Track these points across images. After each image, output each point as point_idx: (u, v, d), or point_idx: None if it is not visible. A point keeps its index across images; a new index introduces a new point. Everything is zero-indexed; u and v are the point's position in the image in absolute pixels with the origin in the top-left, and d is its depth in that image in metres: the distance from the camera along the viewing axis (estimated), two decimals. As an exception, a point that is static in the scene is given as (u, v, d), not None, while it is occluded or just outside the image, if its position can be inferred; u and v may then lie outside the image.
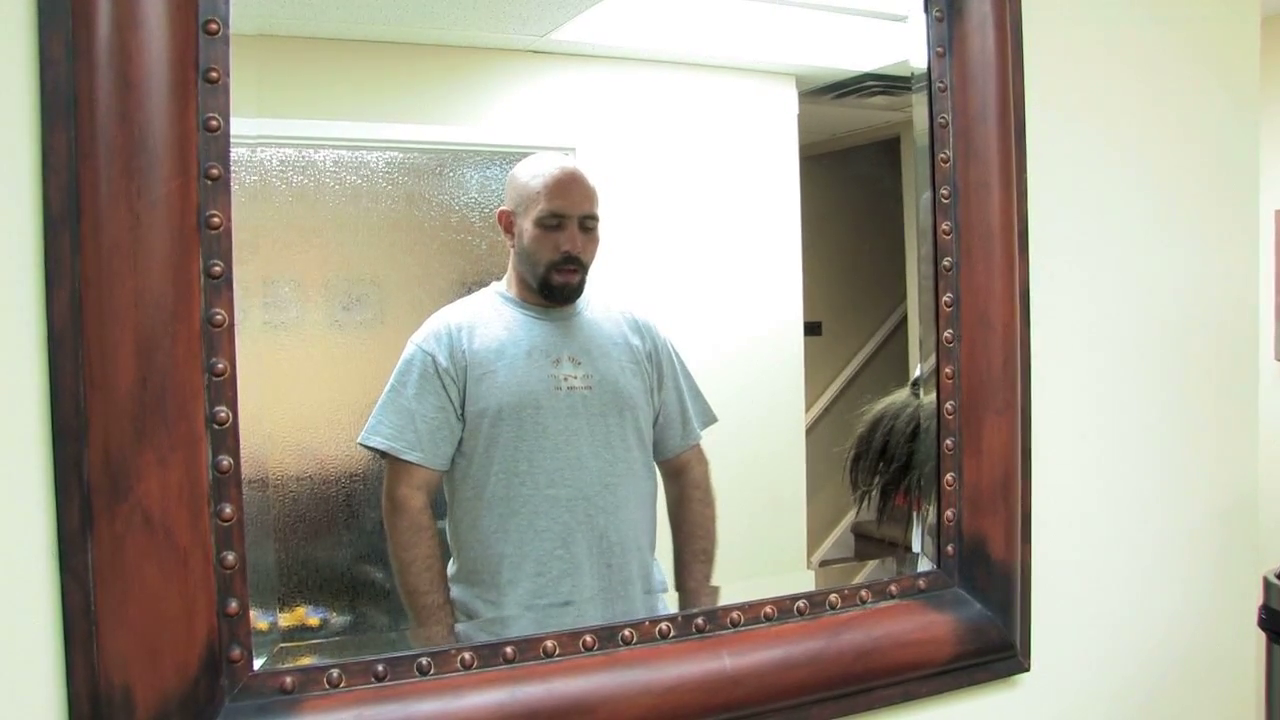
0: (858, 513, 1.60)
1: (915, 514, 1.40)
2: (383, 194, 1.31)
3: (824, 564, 1.63)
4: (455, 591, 1.33)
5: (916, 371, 1.39)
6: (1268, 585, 1.64)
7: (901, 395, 1.49)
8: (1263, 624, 1.64)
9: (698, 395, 1.45)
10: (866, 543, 1.62)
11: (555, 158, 1.39)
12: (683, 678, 1.14)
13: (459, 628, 1.35)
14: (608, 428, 1.39)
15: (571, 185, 1.38)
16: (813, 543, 1.61)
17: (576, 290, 1.38)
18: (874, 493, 1.53)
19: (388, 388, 1.30)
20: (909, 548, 1.41)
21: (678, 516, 1.46)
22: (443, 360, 1.32)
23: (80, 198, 0.88)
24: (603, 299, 1.41)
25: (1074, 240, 1.46)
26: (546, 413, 1.35)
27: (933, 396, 1.34)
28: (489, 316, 1.37)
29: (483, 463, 1.33)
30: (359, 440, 1.29)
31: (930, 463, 1.34)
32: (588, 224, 1.36)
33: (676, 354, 1.44)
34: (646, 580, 1.42)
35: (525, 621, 1.33)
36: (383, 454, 1.30)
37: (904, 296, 1.46)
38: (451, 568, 1.34)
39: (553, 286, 1.37)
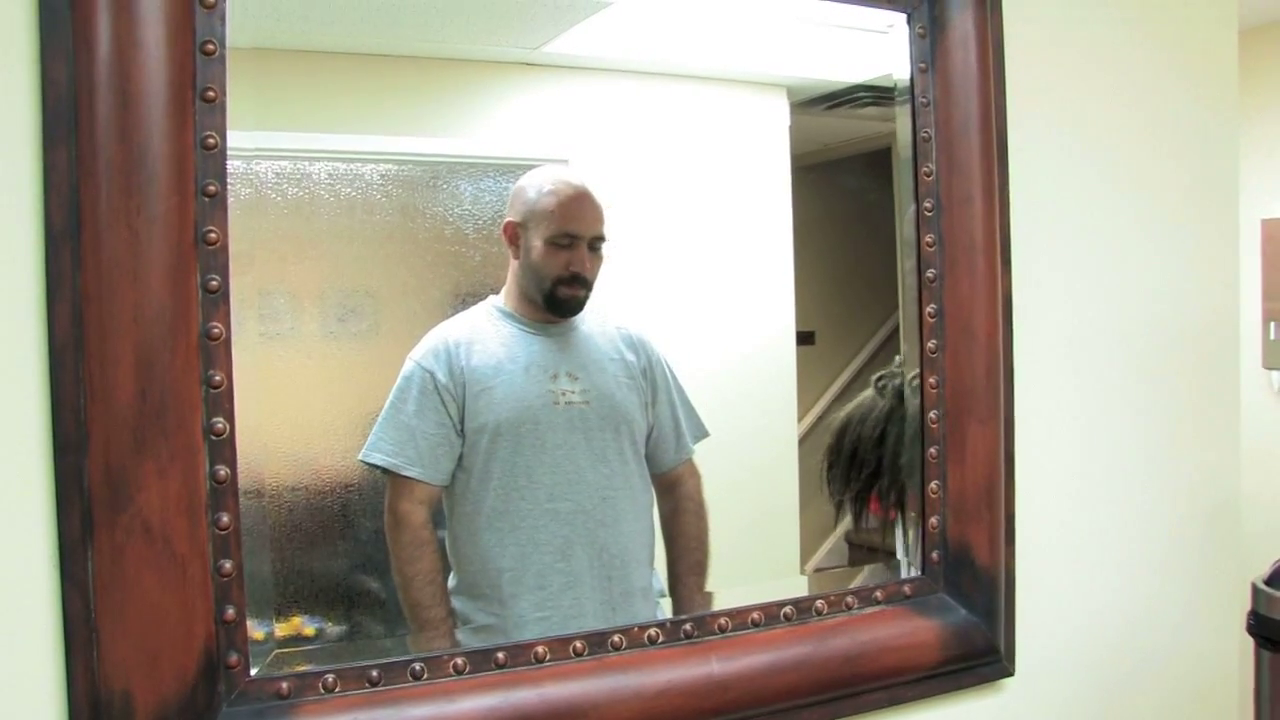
0: (837, 520, 1.61)
1: (888, 520, 1.41)
2: (377, 206, 1.31)
3: (817, 571, 1.63)
4: (456, 604, 1.34)
5: (881, 370, 1.41)
6: (1256, 591, 1.65)
7: (866, 395, 1.50)
8: (1251, 630, 1.64)
9: (690, 410, 1.46)
10: (860, 551, 1.62)
11: (564, 173, 1.40)
12: (671, 682, 1.15)
13: (459, 636, 1.36)
14: (605, 442, 1.39)
15: (585, 206, 1.39)
16: (806, 551, 1.61)
17: (580, 304, 1.39)
18: (848, 501, 1.54)
19: (387, 404, 1.31)
20: (891, 553, 1.42)
21: (672, 529, 1.47)
22: (442, 377, 1.33)
23: (81, 214, 0.90)
24: (598, 314, 1.42)
25: (1056, 251, 1.48)
26: (545, 427, 1.36)
27: (890, 397, 1.35)
28: (487, 332, 1.37)
29: (482, 477, 1.34)
30: (359, 457, 1.30)
31: (902, 466, 1.35)
32: (596, 244, 1.37)
33: (670, 369, 1.45)
34: (646, 591, 1.43)
35: (527, 635, 1.33)
36: (383, 470, 1.31)
37: (897, 305, 1.46)
38: (451, 581, 1.35)
39: (558, 300, 1.38)
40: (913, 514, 1.37)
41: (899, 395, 1.43)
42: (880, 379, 1.45)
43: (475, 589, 1.34)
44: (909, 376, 1.37)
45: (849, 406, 1.53)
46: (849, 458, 1.50)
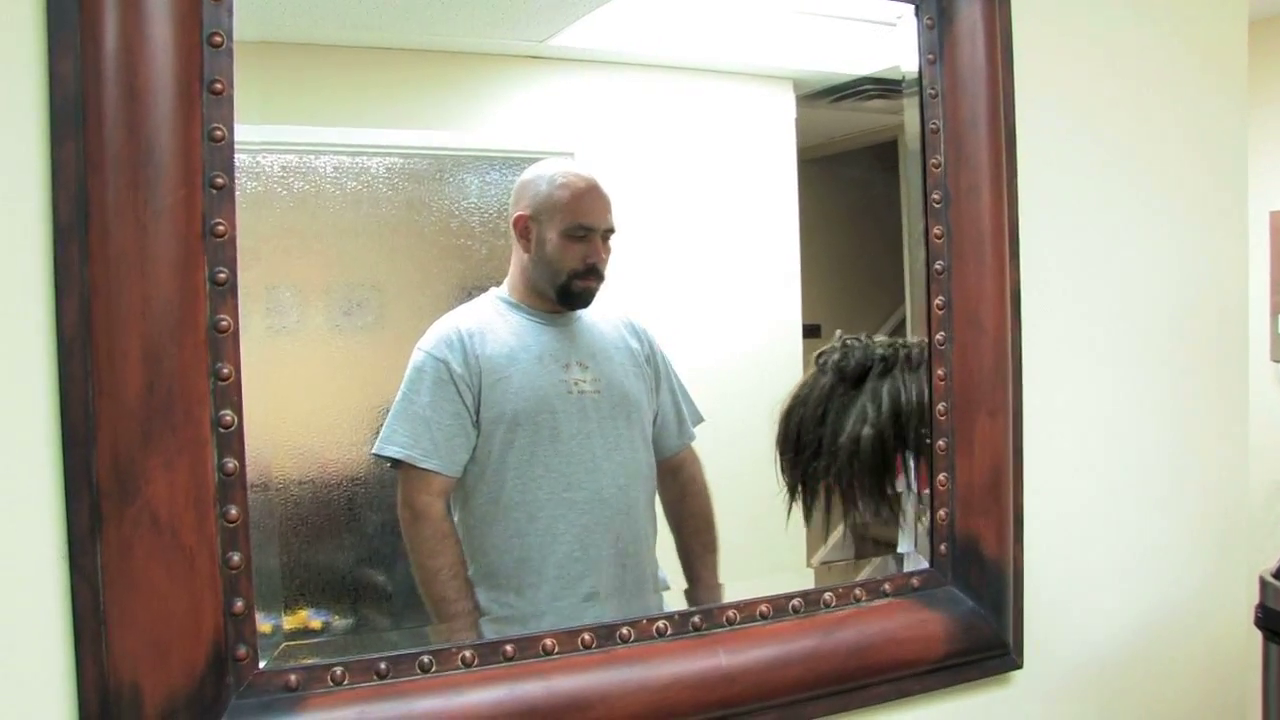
0: (789, 511, 1.58)
1: (828, 506, 1.40)
2: (383, 199, 1.31)
3: (824, 564, 1.63)
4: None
5: (823, 346, 1.39)
6: (1264, 585, 1.65)
7: (809, 375, 1.47)
8: (1259, 623, 1.64)
9: (687, 395, 1.46)
10: (866, 544, 1.63)
11: (573, 166, 1.39)
12: (679, 675, 1.15)
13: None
14: (617, 430, 1.40)
15: (598, 198, 1.39)
16: (813, 544, 1.61)
17: (592, 297, 1.39)
18: (799, 489, 1.49)
19: (400, 396, 1.30)
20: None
21: (680, 513, 1.46)
22: (457, 367, 1.32)
23: (88, 208, 0.90)
24: (598, 303, 1.42)
25: (1064, 243, 1.48)
26: (561, 417, 1.36)
27: (831, 374, 1.34)
28: (495, 322, 1.37)
29: (498, 468, 1.33)
30: (374, 450, 1.28)
31: (842, 446, 1.35)
32: (607, 236, 1.38)
33: (666, 356, 1.46)
34: (654, 579, 1.43)
35: (545, 624, 1.33)
36: (399, 463, 1.29)
37: (903, 298, 1.46)
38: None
39: (573, 294, 1.38)
40: (866, 502, 1.36)
41: (840, 372, 1.42)
42: (821, 356, 1.42)
43: (492, 580, 1.34)
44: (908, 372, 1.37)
45: (793, 388, 1.49)
46: (794, 443, 1.47)
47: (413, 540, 1.30)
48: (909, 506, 1.43)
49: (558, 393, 1.36)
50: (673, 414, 1.45)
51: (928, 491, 1.36)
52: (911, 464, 1.42)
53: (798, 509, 1.51)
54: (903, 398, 1.41)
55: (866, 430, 1.41)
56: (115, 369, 0.90)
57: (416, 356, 1.31)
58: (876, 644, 1.27)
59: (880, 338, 1.44)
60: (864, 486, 1.44)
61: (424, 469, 1.30)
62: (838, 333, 1.44)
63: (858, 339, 1.43)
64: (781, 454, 1.51)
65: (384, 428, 1.29)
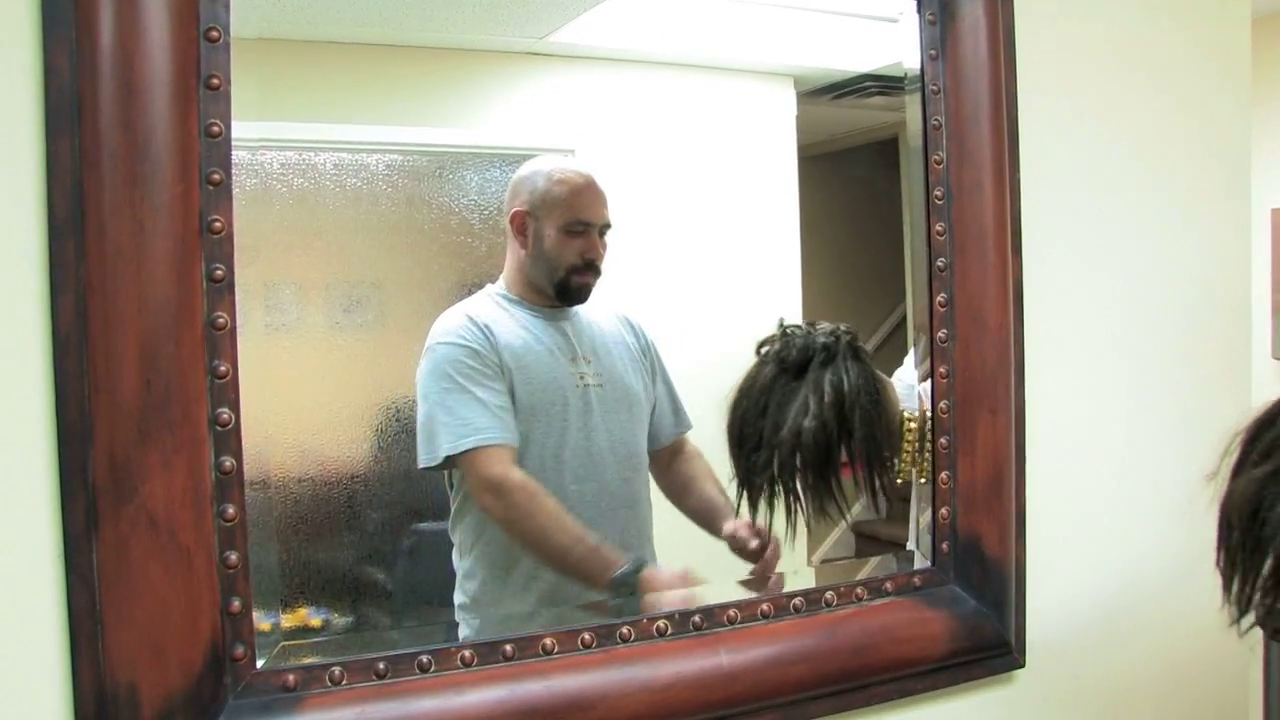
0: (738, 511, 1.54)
1: (770, 505, 1.38)
2: (383, 196, 1.31)
3: (824, 563, 1.63)
4: (474, 590, 1.34)
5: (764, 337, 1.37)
6: (1265, 582, 1.65)
7: (752, 366, 1.41)
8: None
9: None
10: (867, 542, 1.62)
11: (568, 162, 1.40)
12: (680, 674, 1.15)
13: (469, 630, 1.35)
14: (621, 423, 1.41)
15: (595, 194, 1.40)
16: (814, 542, 1.61)
17: (589, 292, 1.40)
18: (745, 485, 1.42)
19: (438, 392, 1.30)
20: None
21: (687, 473, 1.48)
22: (483, 349, 1.33)
23: (84, 204, 0.89)
24: (594, 299, 1.42)
25: (1067, 239, 1.47)
26: (571, 409, 1.37)
27: (772, 363, 1.34)
28: (501, 316, 1.38)
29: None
30: (446, 454, 1.28)
31: (783, 440, 1.33)
32: (604, 232, 1.38)
33: (658, 349, 1.47)
34: None
35: (548, 616, 1.34)
36: (456, 458, 1.29)
37: (904, 296, 1.46)
38: (467, 564, 1.35)
39: (571, 289, 1.39)
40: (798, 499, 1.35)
41: (780, 362, 1.39)
42: (762, 345, 1.39)
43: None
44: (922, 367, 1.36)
45: (738, 379, 1.43)
46: (738, 439, 1.41)
47: (506, 515, 1.30)
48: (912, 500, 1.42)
49: (569, 385, 1.37)
50: (669, 405, 1.46)
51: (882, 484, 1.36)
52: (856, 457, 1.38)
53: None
54: (845, 387, 1.37)
55: (808, 422, 1.36)
56: (111, 367, 0.89)
57: (438, 350, 1.31)
58: (878, 643, 1.26)
59: (823, 324, 1.40)
60: (807, 481, 1.40)
61: (494, 446, 1.30)
62: (780, 318, 1.41)
63: (798, 326, 1.40)
64: (729, 447, 1.46)
65: (442, 429, 1.29)
